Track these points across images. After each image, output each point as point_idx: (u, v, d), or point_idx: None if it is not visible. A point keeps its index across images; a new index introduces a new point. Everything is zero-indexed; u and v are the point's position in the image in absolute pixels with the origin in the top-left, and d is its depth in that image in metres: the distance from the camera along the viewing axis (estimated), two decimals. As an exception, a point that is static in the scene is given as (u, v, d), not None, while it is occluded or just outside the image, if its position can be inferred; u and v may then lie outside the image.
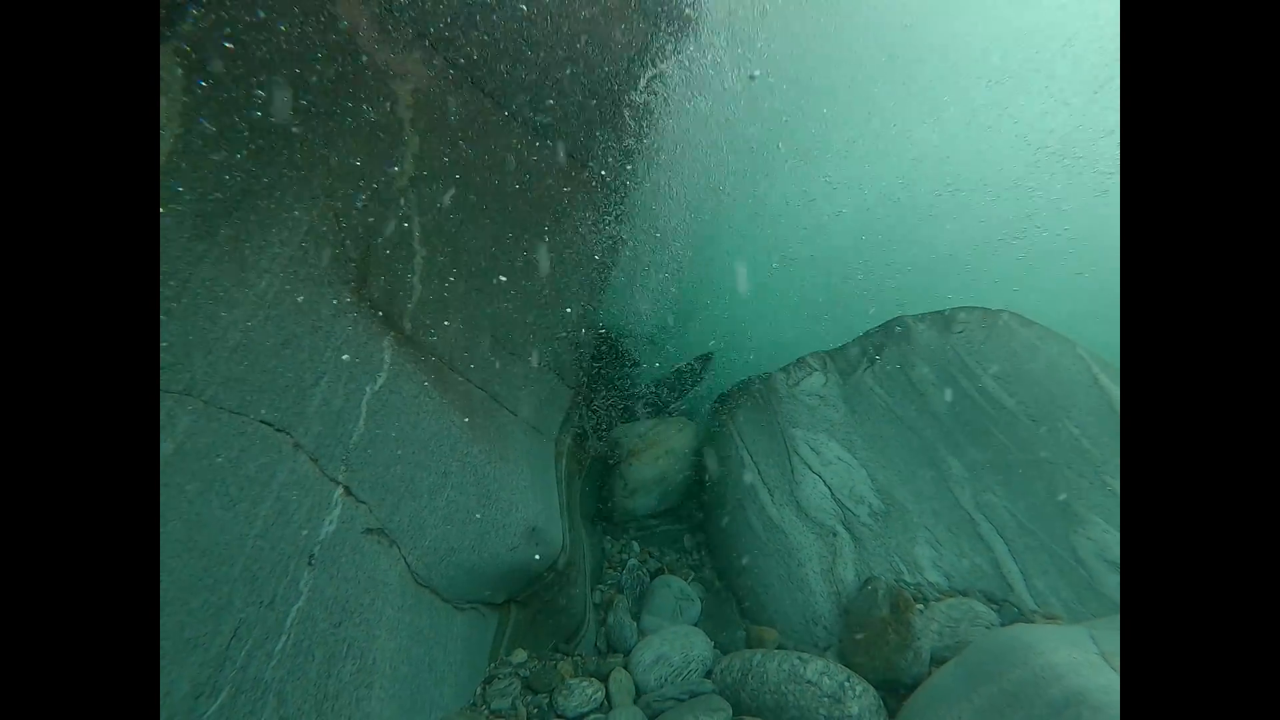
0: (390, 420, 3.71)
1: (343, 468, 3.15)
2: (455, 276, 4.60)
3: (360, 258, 3.92)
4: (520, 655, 4.07)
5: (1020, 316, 4.86)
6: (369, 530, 3.12)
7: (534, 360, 4.93)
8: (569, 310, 5.17)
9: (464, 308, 4.61)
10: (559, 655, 4.13)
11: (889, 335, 5.14)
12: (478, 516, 3.87)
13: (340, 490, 3.03)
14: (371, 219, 4.03)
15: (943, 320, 4.97)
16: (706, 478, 5.51)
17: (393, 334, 4.01)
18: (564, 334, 5.16)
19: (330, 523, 2.85)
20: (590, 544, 5.22)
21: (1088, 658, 2.83)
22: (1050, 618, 3.72)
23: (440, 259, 4.48)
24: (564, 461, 5.02)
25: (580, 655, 4.17)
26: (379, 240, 4.17)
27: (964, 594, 4.11)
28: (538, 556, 4.10)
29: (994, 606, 3.97)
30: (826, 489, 4.75)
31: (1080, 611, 3.82)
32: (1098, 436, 4.26)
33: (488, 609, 4.02)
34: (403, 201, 4.43)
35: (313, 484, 2.90)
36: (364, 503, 3.16)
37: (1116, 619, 3.50)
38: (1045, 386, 4.54)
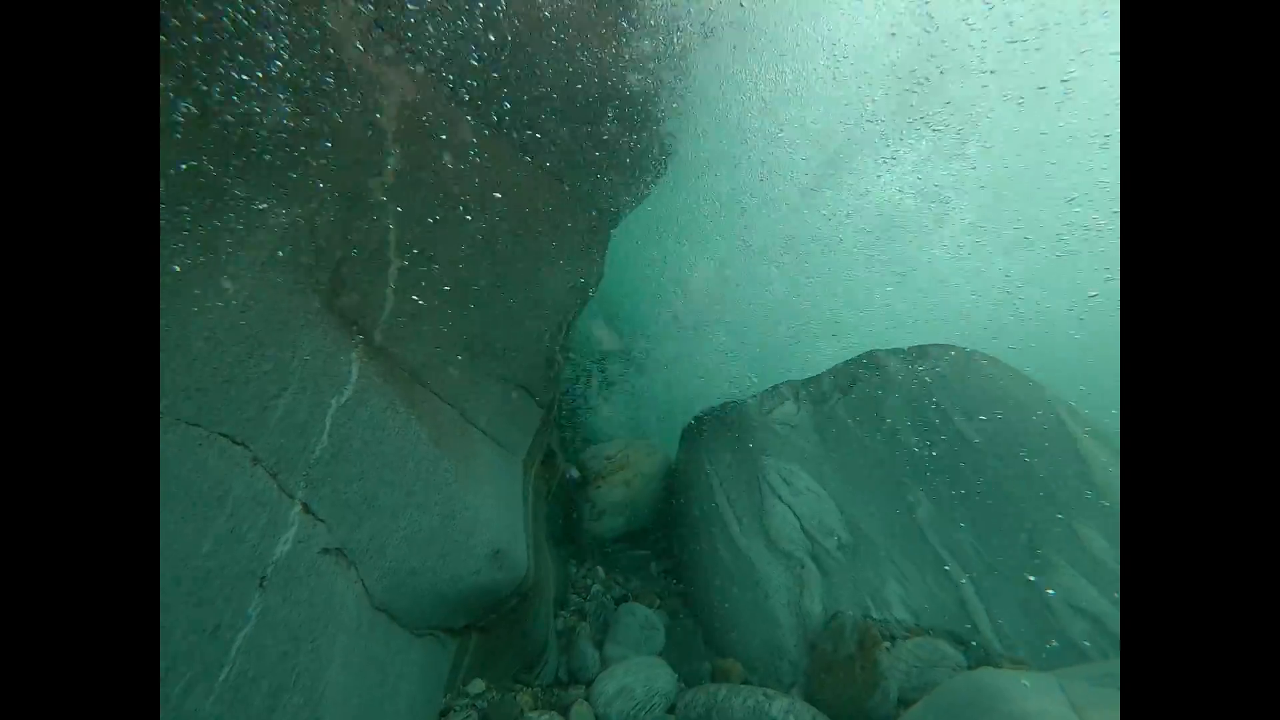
0: (355, 435, 3.61)
1: (303, 484, 3.05)
2: (429, 289, 4.54)
3: (334, 266, 3.85)
4: (478, 685, 3.96)
5: (992, 358, 5.02)
6: (326, 550, 3.02)
7: (506, 377, 4.88)
8: (544, 328, 5.14)
9: (437, 322, 4.55)
10: (519, 686, 4.04)
11: (862, 368, 5.25)
12: (441, 537, 3.77)
13: (299, 507, 2.93)
14: (347, 228, 3.96)
15: (916, 355, 5.10)
16: (675, 503, 5.50)
17: (362, 346, 3.93)
18: (538, 352, 5.12)
19: (286, 542, 2.75)
20: (555, 568, 5.14)
21: (1058, 709, 2.82)
22: (1017, 663, 3.78)
23: (415, 271, 4.42)
24: (531, 482, 4.96)
25: (540, 686, 4.08)
26: (354, 250, 4.10)
27: (930, 632, 4.16)
28: (501, 580, 4.01)
29: (960, 647, 4.03)
30: (795, 519, 4.78)
31: (1044, 655, 3.90)
32: (1067, 481, 4.40)
33: (446, 635, 3.91)
34: (380, 212, 4.37)
35: (270, 500, 2.80)
36: (323, 521, 3.07)
37: (1084, 669, 3.56)
38: (1014, 427, 4.68)
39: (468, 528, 3.94)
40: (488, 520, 4.09)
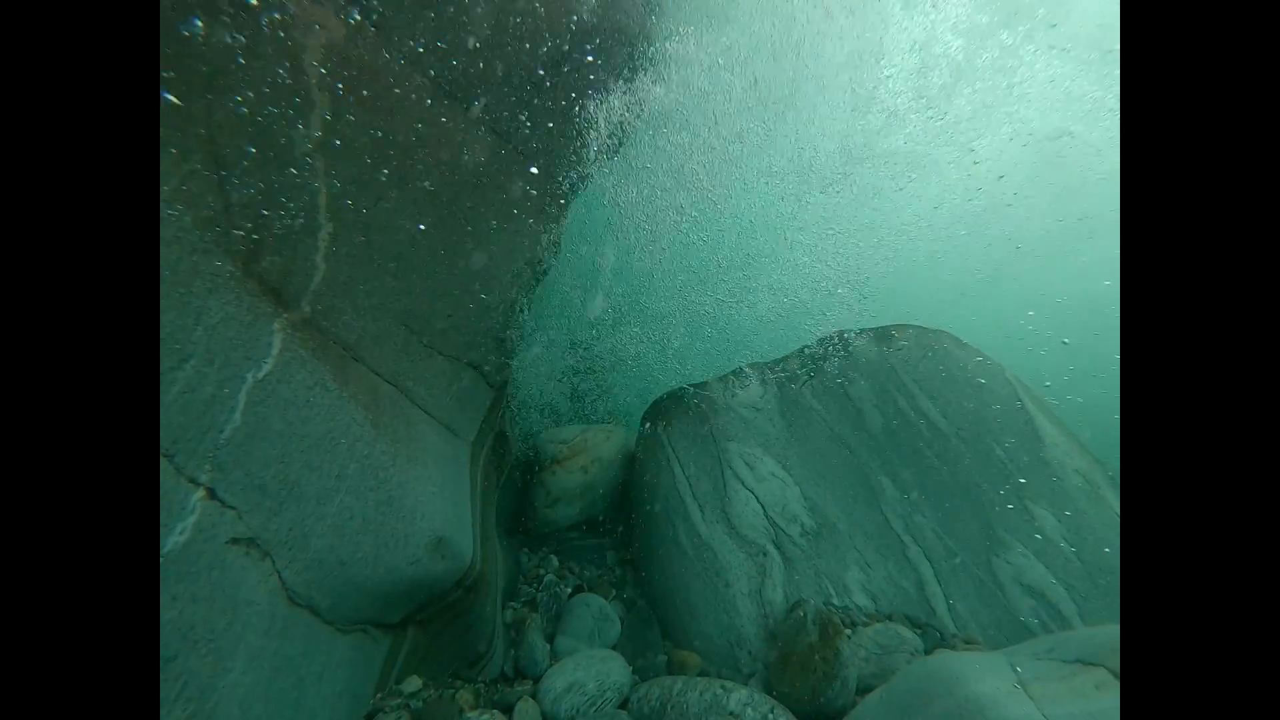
0: (275, 414, 3.28)
1: (207, 467, 2.73)
2: (367, 257, 4.20)
3: (252, 226, 3.49)
4: (414, 683, 3.70)
5: (956, 338, 4.92)
6: (235, 540, 2.71)
7: (454, 355, 4.58)
8: (495, 303, 4.84)
9: (376, 293, 4.22)
10: (459, 683, 3.79)
11: (829, 349, 5.09)
12: (375, 525, 3.48)
13: (200, 493, 2.61)
14: (267, 184, 3.59)
15: (882, 336, 4.96)
16: (634, 490, 5.28)
17: (286, 316, 3.58)
18: (488, 329, 4.82)
19: (182, 531, 2.44)
20: (504, 557, 4.89)
21: (1009, 688, 2.82)
22: (970, 643, 3.70)
23: (351, 237, 4.07)
24: (480, 466, 4.69)
25: (484, 682, 3.84)
26: (277, 209, 3.73)
27: (889, 618, 4.05)
28: (443, 571, 3.75)
29: (917, 631, 3.93)
30: (759, 506, 4.62)
31: (996, 636, 3.83)
32: (1022, 461, 4.32)
33: (379, 630, 3.64)
34: (308, 167, 4.00)
35: (164, 485, 2.47)
36: (232, 508, 2.75)
37: (1031, 645, 3.53)
38: (976, 409, 4.59)
39: (407, 514, 3.66)
40: (429, 507, 3.81)
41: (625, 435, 5.74)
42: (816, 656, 3.57)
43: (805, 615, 3.81)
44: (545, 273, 5.38)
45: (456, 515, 4.01)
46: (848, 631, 3.72)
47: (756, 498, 4.64)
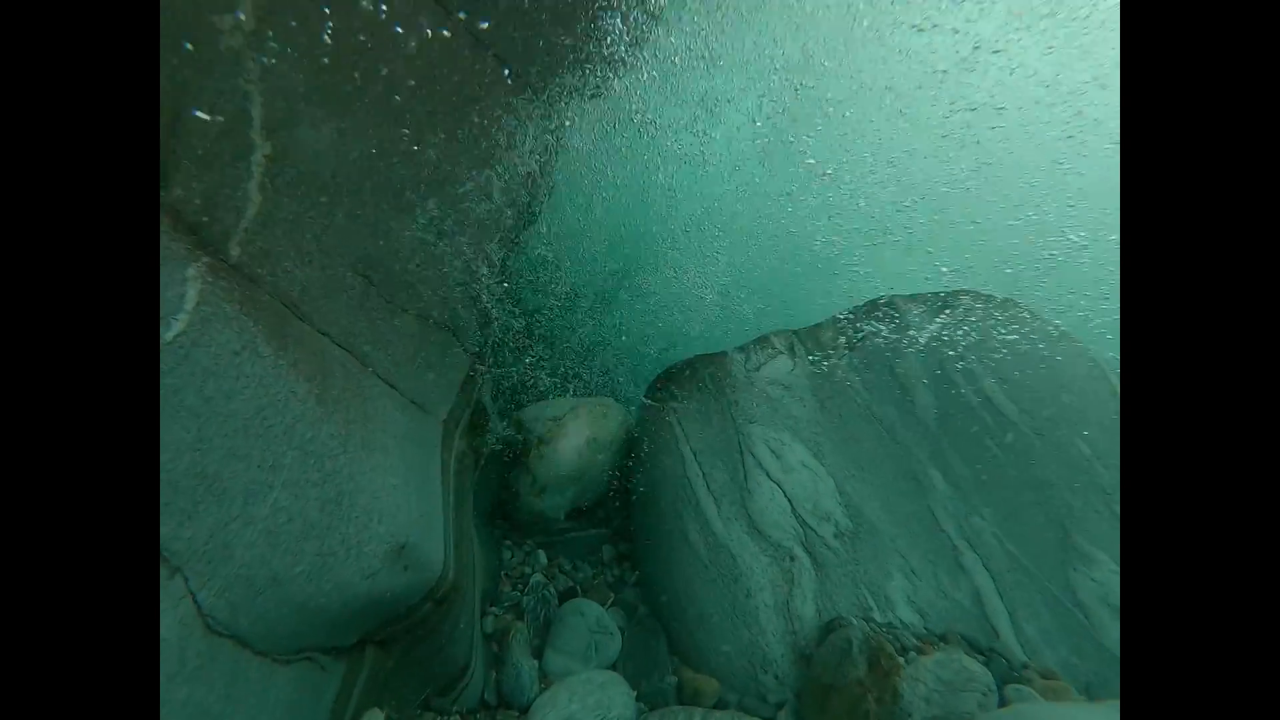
0: (189, 386, 2.59)
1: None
2: (315, 188, 3.42)
3: (160, 138, 2.70)
4: (375, 717, 3.06)
5: (1030, 309, 4.27)
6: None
7: (422, 314, 3.83)
8: (473, 252, 4.07)
9: (326, 234, 3.46)
10: (430, 714, 3.17)
11: (873, 317, 4.42)
12: (321, 529, 2.81)
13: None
14: (187, 83, 2.78)
15: (941, 304, 4.30)
16: (636, 477, 4.63)
17: (206, 260, 2.83)
18: (464, 283, 4.06)
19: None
20: (484, 554, 4.24)
21: None
22: (1048, 678, 3.14)
23: (295, 162, 3.28)
24: (455, 449, 4.00)
25: (460, 714, 3.22)
26: (196, 118, 2.95)
27: (943, 640, 3.48)
28: (407, 584, 3.08)
29: (980, 657, 3.37)
30: (786, 501, 4.01)
31: (1079, 669, 3.28)
32: (1110, 458, 3.73)
33: (329, 658, 2.97)
34: (239, 67, 3.17)
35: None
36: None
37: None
38: (1056, 396, 3.98)
39: (360, 515, 2.99)
40: (390, 504, 3.14)
41: (625, 412, 5.06)
42: (869, 697, 2.99)
43: (851, 642, 3.22)
44: (534, 216, 4.60)
45: (424, 513, 3.34)
46: (902, 661, 3.13)
47: (783, 491, 4.03)
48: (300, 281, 3.23)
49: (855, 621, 3.50)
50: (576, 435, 4.63)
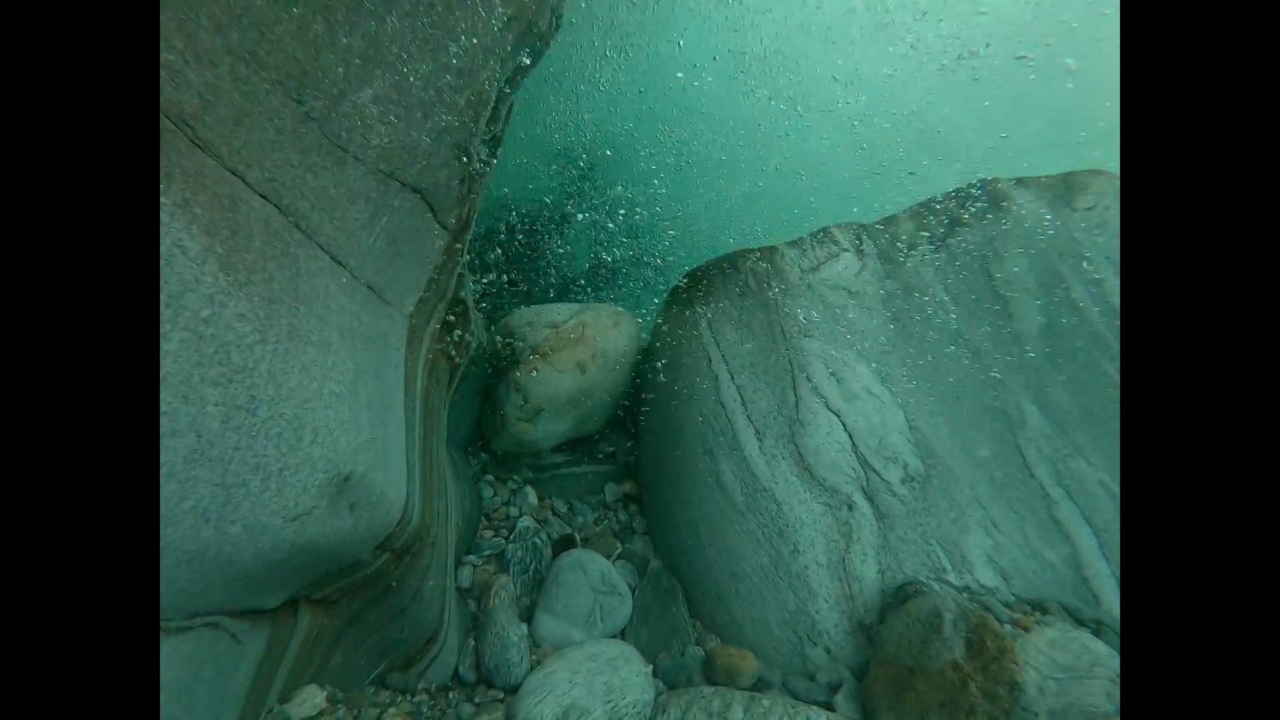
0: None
1: None
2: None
3: None
4: (312, 698, 2.35)
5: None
6: None
7: (383, 168, 2.87)
8: (458, 85, 3.08)
9: (234, 27, 2.44)
10: (387, 695, 2.42)
11: (967, 207, 3.54)
12: (223, 451, 1.97)
13: None
14: None
15: (1063, 188, 3.43)
16: (650, 399, 3.81)
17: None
18: (445, 127, 3.09)
19: None
20: (459, 490, 3.42)
21: None
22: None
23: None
24: (423, 353, 3.12)
25: (428, 692, 2.48)
26: None
27: (1038, 607, 2.83)
28: (353, 529, 2.25)
29: (1087, 628, 2.73)
30: (846, 437, 3.27)
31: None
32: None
33: (241, 623, 2.16)
34: None
35: None
36: None
37: None
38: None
39: (286, 431, 2.17)
40: (330, 417, 2.30)
41: (639, 321, 4.19)
42: (972, 686, 2.30)
43: (941, 616, 2.52)
44: (540, 52, 3.56)
45: (378, 434, 2.51)
46: (1014, 641, 2.45)
47: (843, 424, 3.27)
48: (195, 88, 2.22)
49: (938, 587, 2.79)
50: (580, 348, 3.78)
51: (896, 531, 3.20)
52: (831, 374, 3.41)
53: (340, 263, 2.75)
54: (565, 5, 3.84)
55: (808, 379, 3.40)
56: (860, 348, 3.48)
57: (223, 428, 1.95)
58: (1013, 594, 3.06)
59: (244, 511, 1.96)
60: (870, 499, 3.26)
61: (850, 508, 3.23)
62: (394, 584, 2.68)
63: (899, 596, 2.91)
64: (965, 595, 2.94)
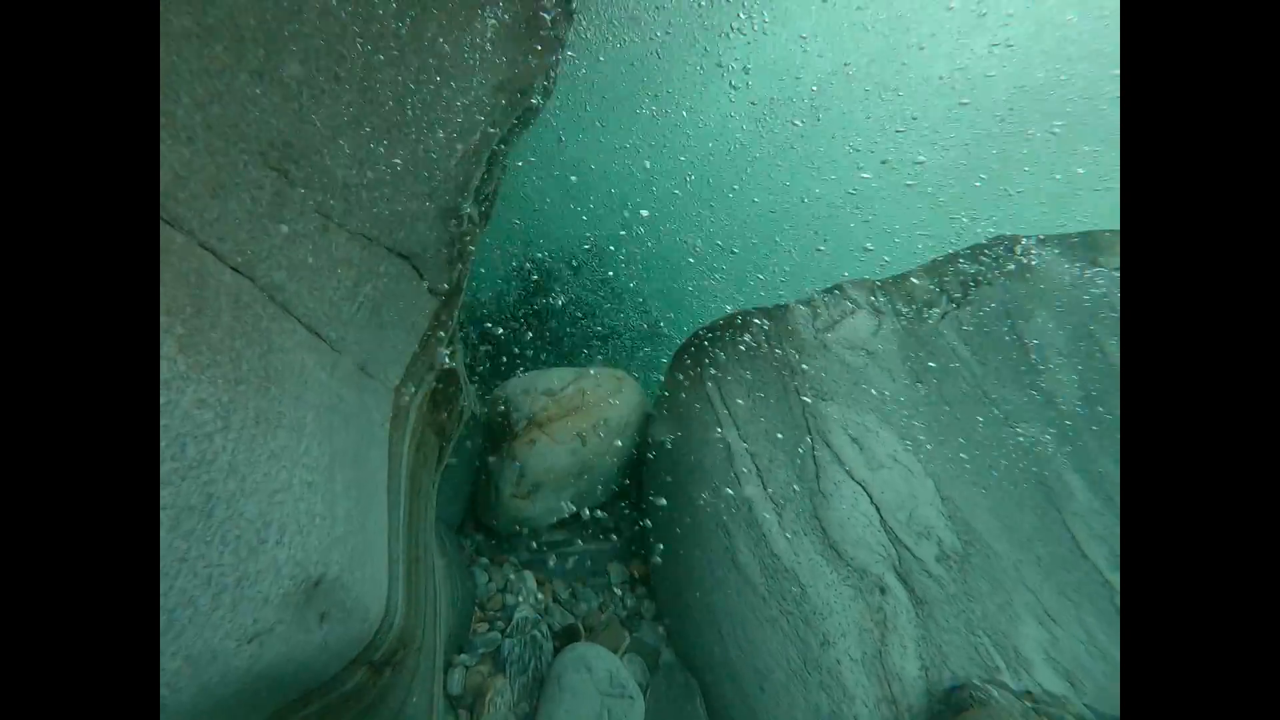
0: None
1: None
2: (203, 35, 2.33)
3: None
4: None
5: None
6: None
7: (366, 233, 2.70)
8: (451, 147, 2.96)
9: (217, 101, 2.34)
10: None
11: (988, 263, 3.37)
12: (171, 563, 1.72)
13: None
14: None
15: (1085, 246, 3.26)
16: (656, 471, 3.54)
17: None
18: (433, 191, 2.95)
19: None
20: (450, 580, 3.12)
21: None
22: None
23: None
24: (409, 431, 2.89)
25: (408, 831, 2.13)
26: None
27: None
28: (326, 643, 1.96)
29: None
30: (873, 509, 3.00)
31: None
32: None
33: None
34: None
35: None
36: None
37: None
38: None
39: (248, 533, 1.93)
40: (300, 512, 2.05)
41: (643, 387, 3.96)
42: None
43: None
44: (534, 111, 3.45)
45: (356, 527, 2.25)
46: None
47: (869, 496, 3.01)
48: (170, 164, 2.06)
49: (997, 694, 2.47)
50: (580, 416, 3.54)
51: (937, 619, 2.89)
52: (853, 440, 3.16)
53: (319, 335, 2.54)
54: (559, 68, 3.79)
55: (828, 446, 3.15)
56: (883, 411, 3.24)
57: (169, 535, 1.69)
58: (1085, 705, 2.72)
59: (188, 639, 1.68)
60: (904, 580, 2.96)
61: (883, 591, 2.93)
62: (373, 702, 2.36)
63: (951, 704, 2.58)
64: (1029, 705, 2.61)
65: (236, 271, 2.24)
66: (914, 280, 3.55)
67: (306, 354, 2.42)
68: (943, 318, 3.40)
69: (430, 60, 2.89)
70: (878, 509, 3.09)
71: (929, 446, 3.21)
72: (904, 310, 3.47)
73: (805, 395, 3.27)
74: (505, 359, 4.87)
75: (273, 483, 1.95)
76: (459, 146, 3.02)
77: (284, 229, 2.43)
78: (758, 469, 3.21)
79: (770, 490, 3.17)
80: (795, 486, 3.13)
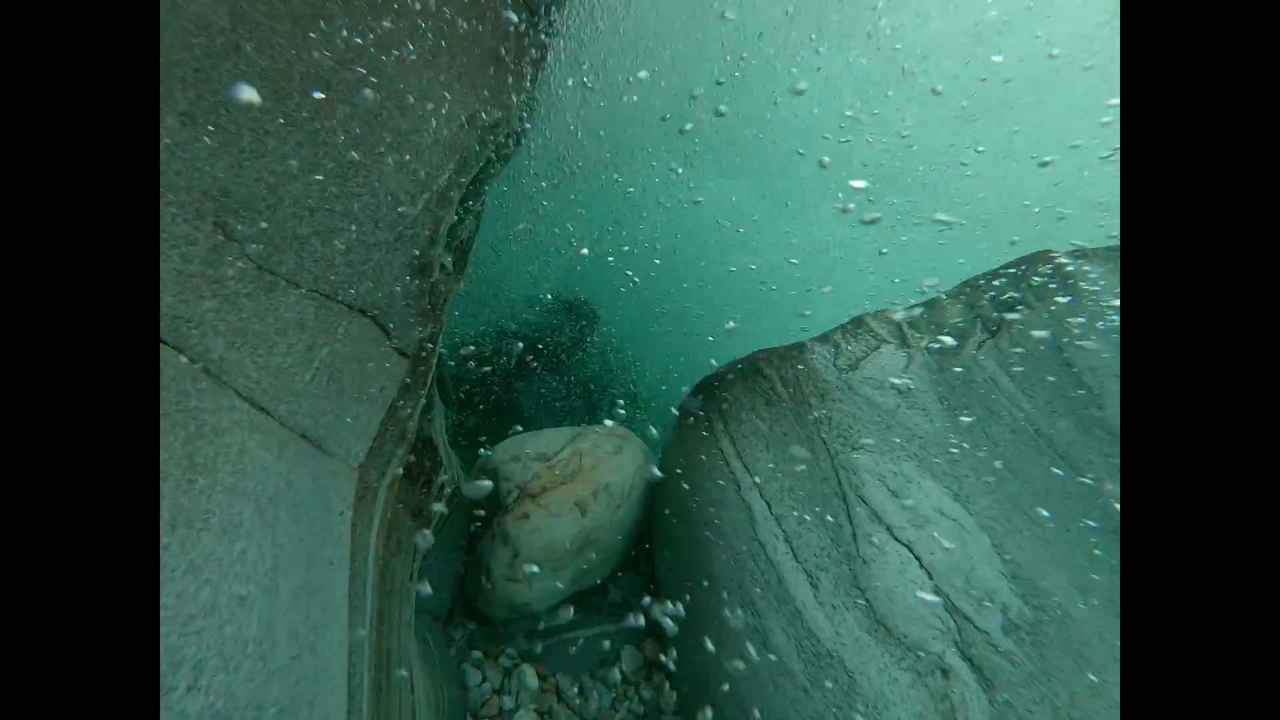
0: None
1: None
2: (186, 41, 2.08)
3: None
4: None
5: None
6: None
7: (321, 288, 2.38)
8: (414, 187, 2.66)
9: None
10: None
11: (1028, 284, 3.04)
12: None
13: None
14: None
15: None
16: (669, 542, 3.14)
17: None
18: (399, 238, 2.63)
19: None
20: (434, 684, 2.67)
21: None
22: None
23: None
24: (378, 516, 2.49)
25: None
26: None
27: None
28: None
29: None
30: (923, 574, 2.60)
31: None
32: None
33: None
34: None
35: None
36: None
37: None
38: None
39: (174, 670, 1.49)
40: (227, 640, 1.63)
41: (646, 444, 3.58)
42: None
43: None
44: (515, 144, 3.18)
45: (305, 647, 1.84)
46: None
47: (917, 558, 2.61)
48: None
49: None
50: (579, 483, 3.15)
51: (1015, 708, 2.45)
52: (892, 493, 2.78)
53: (265, 410, 2.17)
54: (534, 103, 3.56)
55: (863, 502, 2.76)
56: (922, 458, 2.87)
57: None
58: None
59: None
60: (969, 659, 2.53)
61: (945, 674, 2.50)
62: None
63: (1039, 809, 2.13)
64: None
65: (167, 344, 1.90)
66: (944, 307, 3.22)
67: (247, 434, 2.05)
68: (979, 347, 3.05)
69: (388, 95, 2.62)
70: (928, 573, 2.68)
71: (979, 495, 2.82)
72: (935, 342, 3.13)
73: (832, 445, 2.90)
74: (495, 418, 4.51)
75: (189, 605, 1.56)
76: (428, 186, 2.71)
77: (220, 289, 2.10)
78: (785, 534, 2.81)
79: (801, 558, 2.76)
80: (831, 552, 2.73)
